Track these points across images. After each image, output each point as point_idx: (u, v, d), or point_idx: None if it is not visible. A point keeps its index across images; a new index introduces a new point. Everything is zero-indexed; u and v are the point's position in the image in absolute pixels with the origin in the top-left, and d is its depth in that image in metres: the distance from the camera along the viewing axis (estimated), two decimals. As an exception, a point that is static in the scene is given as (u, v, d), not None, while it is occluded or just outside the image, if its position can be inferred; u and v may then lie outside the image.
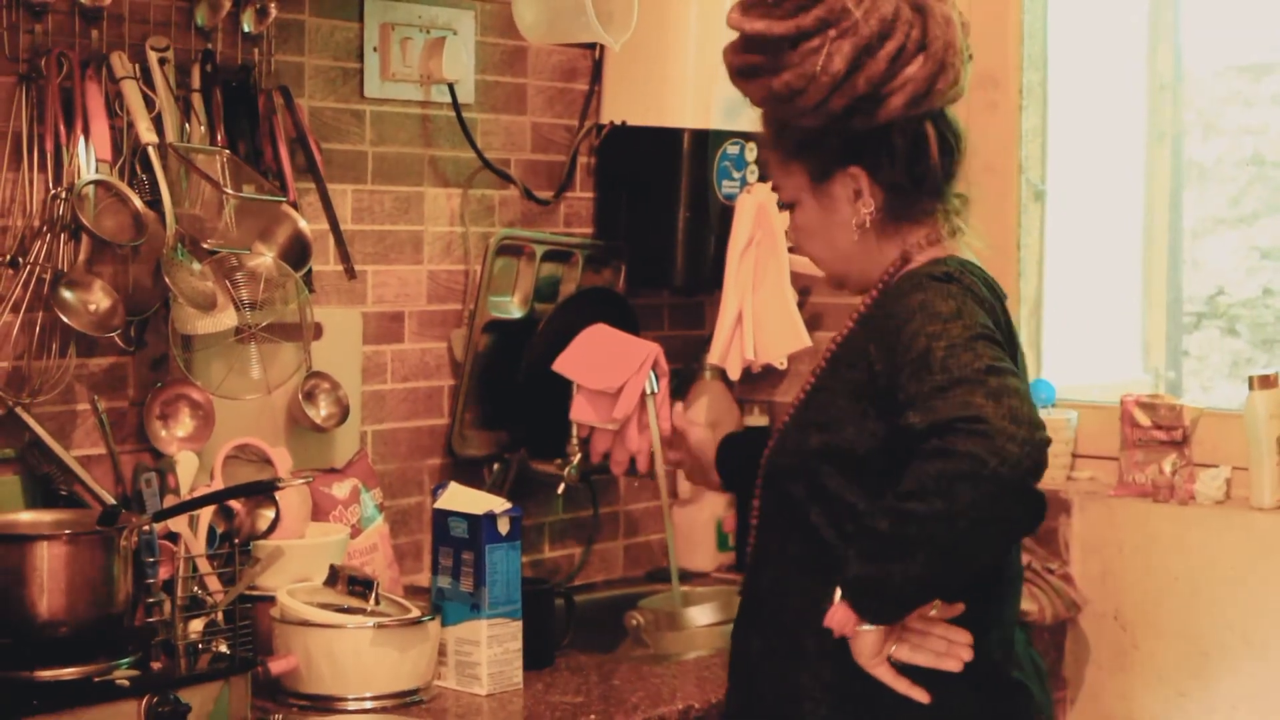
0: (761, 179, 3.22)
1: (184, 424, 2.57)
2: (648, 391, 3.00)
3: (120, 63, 2.46)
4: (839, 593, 1.97)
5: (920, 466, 1.91)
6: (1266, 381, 2.91)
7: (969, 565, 1.97)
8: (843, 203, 2.15)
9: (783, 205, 2.24)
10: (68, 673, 2.10)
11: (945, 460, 1.89)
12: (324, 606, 2.39)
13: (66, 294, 2.39)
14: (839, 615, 1.96)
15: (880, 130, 2.11)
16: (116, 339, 2.46)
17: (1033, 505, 1.98)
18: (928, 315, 2.01)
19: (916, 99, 2.09)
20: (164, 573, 2.34)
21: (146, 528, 2.30)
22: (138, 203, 2.44)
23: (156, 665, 2.17)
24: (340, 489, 2.71)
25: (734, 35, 2.17)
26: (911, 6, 2.10)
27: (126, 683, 2.09)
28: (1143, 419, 3.06)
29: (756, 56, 2.12)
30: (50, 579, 2.14)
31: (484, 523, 2.46)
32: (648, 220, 3.18)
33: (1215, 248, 3.78)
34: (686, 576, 3.15)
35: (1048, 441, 1.93)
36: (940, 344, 1.97)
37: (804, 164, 2.15)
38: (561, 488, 3.02)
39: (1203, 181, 3.74)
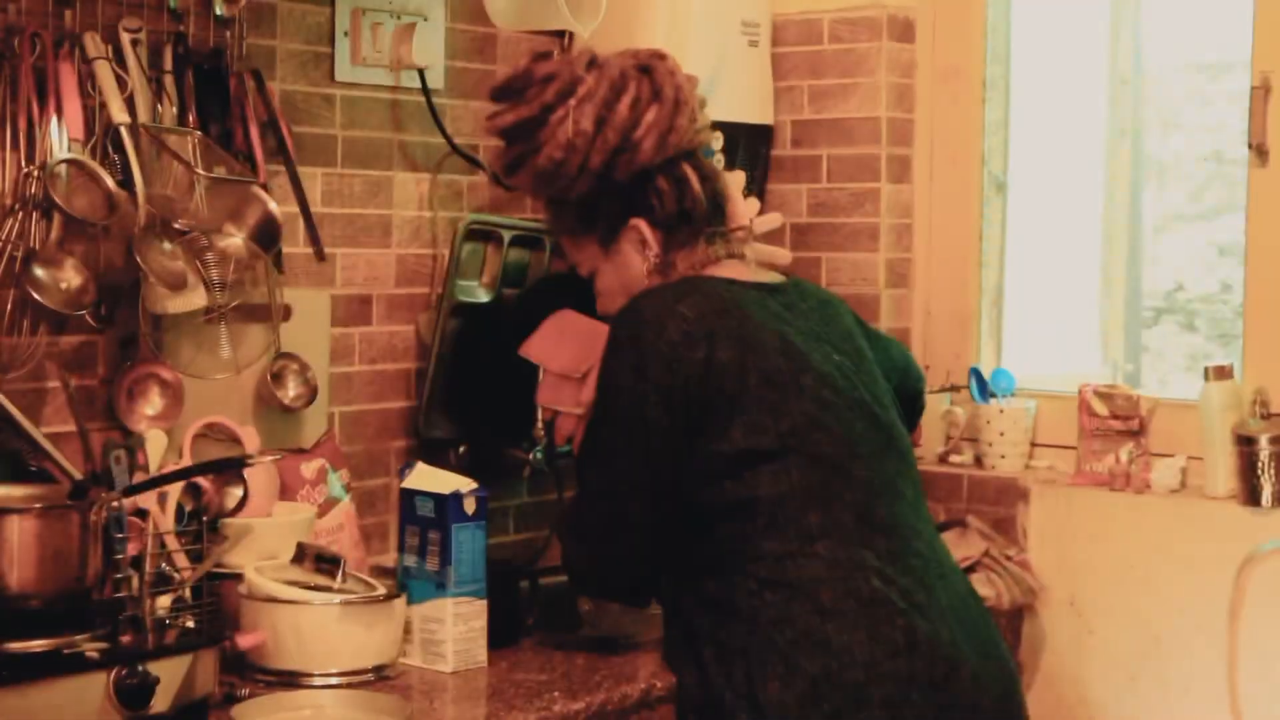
0: (732, 168, 3.25)
1: (153, 402, 2.59)
2: (613, 376, 3.03)
3: (93, 43, 2.48)
4: None
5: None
6: (1222, 372, 2.96)
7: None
8: (633, 255, 2.35)
9: (586, 277, 2.45)
10: (37, 644, 2.11)
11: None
12: (291, 584, 2.41)
13: (38, 271, 2.40)
14: None
15: (643, 178, 2.33)
16: (87, 317, 2.48)
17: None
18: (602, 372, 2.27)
19: (664, 138, 2.31)
20: (133, 549, 2.35)
21: (116, 503, 2.31)
22: (110, 182, 2.45)
23: (125, 639, 2.19)
24: (308, 469, 2.73)
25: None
26: (636, 67, 2.35)
27: (96, 655, 2.10)
28: (1100, 408, 3.10)
29: (518, 146, 2.35)
30: (20, 552, 2.15)
31: (450, 502, 2.49)
32: (615, 207, 3.20)
33: (1174, 244, 3.82)
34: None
35: (605, 584, 2.28)
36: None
37: (591, 234, 2.37)
38: (527, 471, 3.05)
39: (1162, 177, 3.78)
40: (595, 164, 2.31)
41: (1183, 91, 3.76)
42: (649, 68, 2.36)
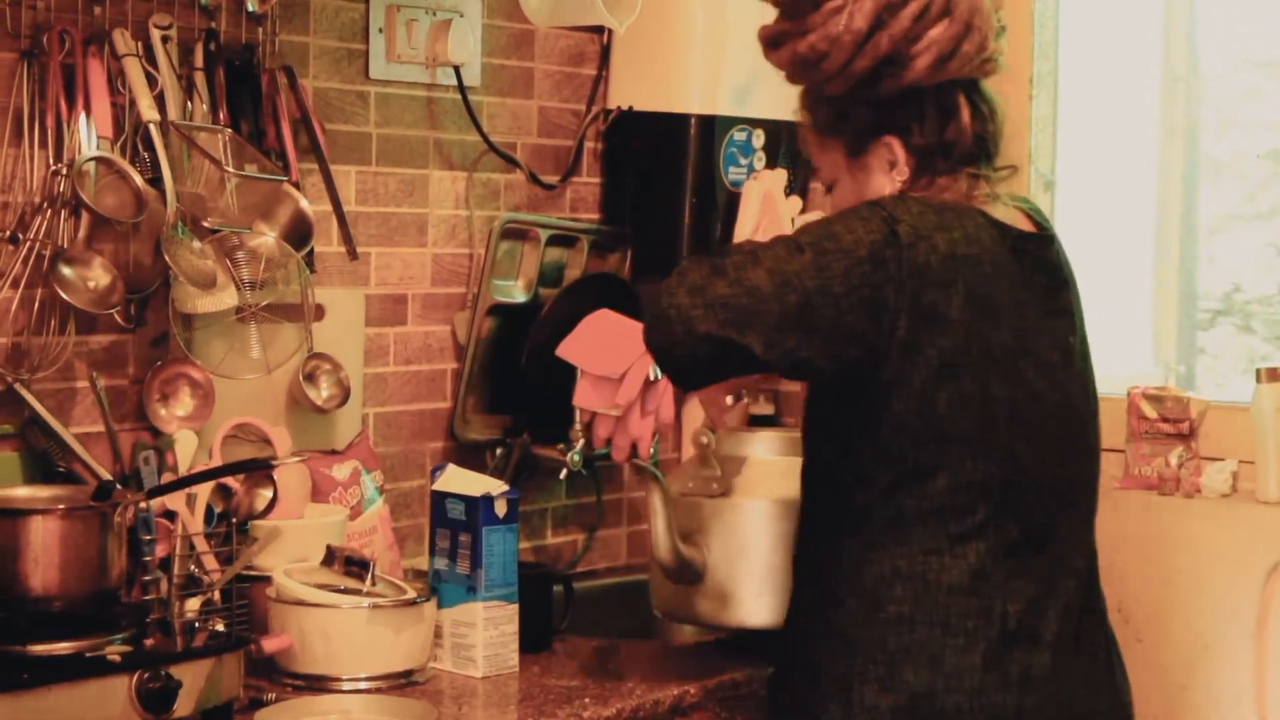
0: (774, 166, 3.22)
1: (184, 403, 2.57)
2: (651, 378, 3.00)
3: (123, 40, 2.46)
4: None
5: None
6: (1275, 374, 2.89)
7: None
8: (878, 174, 2.16)
9: (825, 188, 2.27)
10: (60, 647, 2.09)
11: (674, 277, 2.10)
12: (320, 587, 2.38)
13: (66, 270, 2.39)
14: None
15: (909, 95, 2.12)
16: (116, 316, 2.46)
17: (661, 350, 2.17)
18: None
19: (942, 60, 2.10)
20: (161, 551, 2.34)
21: (143, 505, 2.30)
22: (138, 180, 2.44)
23: (150, 642, 2.17)
24: (340, 471, 2.70)
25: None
26: None
27: (118, 658, 2.08)
28: (1149, 411, 3.04)
29: (784, 23, 2.17)
30: (44, 553, 2.13)
31: (481, 505, 2.46)
32: (654, 206, 3.18)
33: (1231, 244, 3.77)
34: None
35: (692, 334, 2.07)
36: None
37: (839, 140, 2.18)
38: (564, 473, 3.00)
39: (1218, 177, 3.73)
40: (859, 68, 2.11)
41: (1240, 89, 3.71)
42: None
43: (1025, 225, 2.19)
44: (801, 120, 2.27)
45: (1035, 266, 2.14)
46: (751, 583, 2.55)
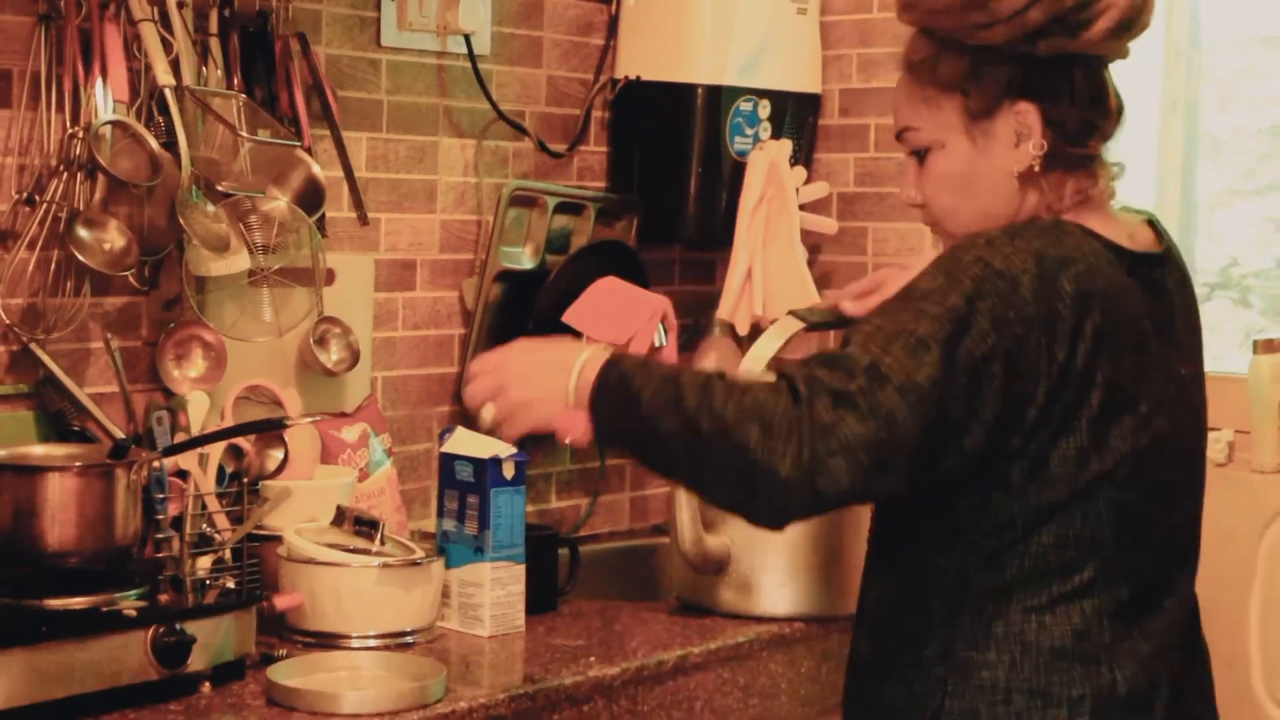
0: (779, 136, 3.25)
1: (196, 364, 2.60)
2: (656, 345, 3.05)
3: (139, 5, 2.48)
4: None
5: (761, 384, 1.73)
6: (1270, 346, 2.95)
7: (684, 481, 1.86)
8: (1002, 144, 1.86)
9: (913, 151, 1.92)
10: (76, 602, 2.12)
11: (760, 408, 1.70)
12: (330, 546, 2.42)
13: (82, 232, 2.42)
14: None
15: (1064, 61, 1.84)
16: (131, 278, 2.50)
17: (770, 510, 1.75)
18: (938, 264, 1.80)
19: (1120, 29, 1.84)
20: (173, 509, 2.38)
21: (156, 464, 2.33)
22: (154, 144, 2.46)
23: (164, 598, 2.21)
24: (349, 433, 2.74)
25: None
26: None
27: (134, 613, 2.12)
28: (1147, 382, 3.08)
29: None
30: (60, 510, 2.17)
31: (489, 467, 2.49)
32: (660, 175, 3.21)
33: (1230, 219, 3.80)
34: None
35: (822, 496, 1.69)
36: (901, 298, 1.79)
37: (964, 97, 1.86)
38: (569, 439, 3.05)
39: (1218, 152, 3.75)
40: (1032, 20, 1.80)
41: (1240, 63, 3.74)
42: None
43: (1147, 240, 1.93)
44: (910, 69, 1.90)
45: (1155, 291, 1.89)
46: (774, 573, 2.61)
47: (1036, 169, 1.85)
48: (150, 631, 2.10)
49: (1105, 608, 1.81)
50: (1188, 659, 1.90)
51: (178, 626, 2.12)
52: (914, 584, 1.87)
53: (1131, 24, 1.85)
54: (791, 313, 2.27)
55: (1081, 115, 1.85)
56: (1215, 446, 2.99)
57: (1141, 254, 1.89)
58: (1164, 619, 1.86)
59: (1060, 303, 1.77)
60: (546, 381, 1.86)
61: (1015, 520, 1.80)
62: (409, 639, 2.41)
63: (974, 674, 1.81)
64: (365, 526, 2.44)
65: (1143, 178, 3.56)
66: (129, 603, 2.15)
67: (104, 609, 2.12)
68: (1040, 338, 1.75)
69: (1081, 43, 1.83)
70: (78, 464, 2.23)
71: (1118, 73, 1.93)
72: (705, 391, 1.73)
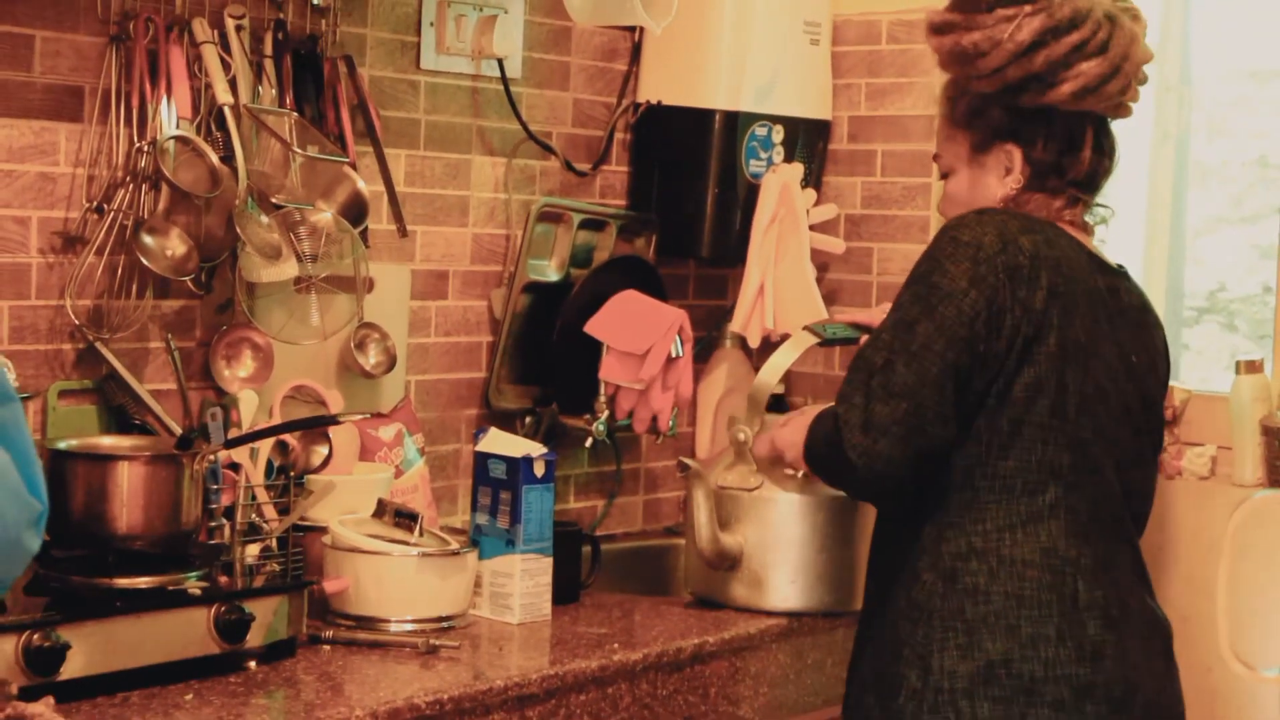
0: (792, 160, 3.38)
1: (246, 365, 2.75)
2: (672, 355, 3.18)
3: (201, 28, 2.63)
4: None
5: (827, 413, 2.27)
6: (1252, 367, 3.07)
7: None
8: (992, 175, 2.32)
9: (941, 171, 2.42)
10: (143, 581, 2.27)
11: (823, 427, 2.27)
12: (372, 536, 2.58)
13: (147, 239, 2.57)
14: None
15: (1043, 112, 2.27)
16: (189, 283, 2.64)
17: (859, 488, 2.30)
18: (924, 252, 2.27)
19: (1084, 92, 2.24)
20: (225, 499, 2.53)
21: (214, 455, 2.49)
22: (213, 158, 2.61)
23: (224, 580, 2.37)
24: (386, 432, 2.88)
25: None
26: (1105, 14, 2.26)
27: (198, 592, 2.27)
28: (1136, 398, 3.21)
29: (956, 14, 2.30)
30: (130, 496, 2.32)
31: (522, 465, 2.65)
32: (678, 194, 3.33)
33: (1217, 246, 3.87)
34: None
35: (886, 456, 2.17)
36: (897, 301, 2.25)
37: (969, 133, 2.33)
38: (589, 442, 3.20)
39: (1206, 182, 3.84)
40: (1010, 76, 2.24)
41: (1229, 96, 3.82)
42: (1116, 19, 2.27)
43: (1107, 258, 2.35)
44: (940, 108, 2.40)
45: (1113, 291, 2.29)
46: (785, 570, 2.76)
47: (1013, 196, 2.31)
48: (213, 609, 2.26)
49: (1069, 529, 2.19)
50: (1141, 589, 2.29)
51: (239, 605, 2.27)
52: (906, 510, 2.27)
53: (1094, 91, 2.24)
54: (807, 328, 2.50)
55: (1056, 157, 2.29)
56: (1199, 461, 3.11)
57: (1106, 262, 2.32)
58: (1110, 544, 2.23)
59: (1020, 255, 2.19)
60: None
61: (983, 439, 2.19)
62: (444, 624, 2.56)
63: (959, 579, 2.20)
64: (406, 519, 2.59)
65: (1134, 205, 3.65)
66: (192, 583, 2.30)
67: (170, 588, 2.28)
68: (1006, 281, 2.18)
69: (1054, 99, 2.25)
70: (147, 453, 2.39)
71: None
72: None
